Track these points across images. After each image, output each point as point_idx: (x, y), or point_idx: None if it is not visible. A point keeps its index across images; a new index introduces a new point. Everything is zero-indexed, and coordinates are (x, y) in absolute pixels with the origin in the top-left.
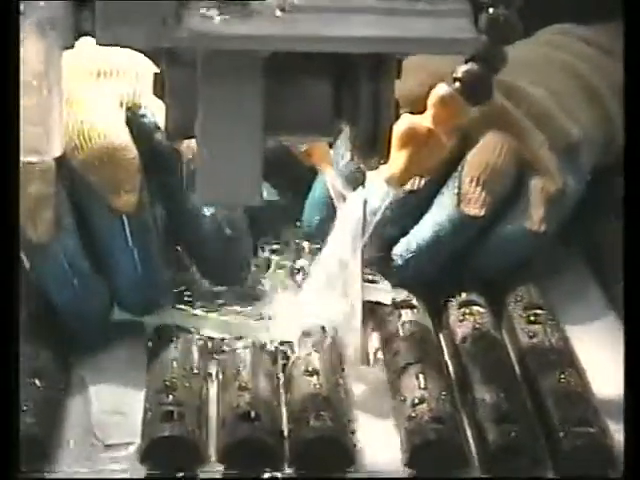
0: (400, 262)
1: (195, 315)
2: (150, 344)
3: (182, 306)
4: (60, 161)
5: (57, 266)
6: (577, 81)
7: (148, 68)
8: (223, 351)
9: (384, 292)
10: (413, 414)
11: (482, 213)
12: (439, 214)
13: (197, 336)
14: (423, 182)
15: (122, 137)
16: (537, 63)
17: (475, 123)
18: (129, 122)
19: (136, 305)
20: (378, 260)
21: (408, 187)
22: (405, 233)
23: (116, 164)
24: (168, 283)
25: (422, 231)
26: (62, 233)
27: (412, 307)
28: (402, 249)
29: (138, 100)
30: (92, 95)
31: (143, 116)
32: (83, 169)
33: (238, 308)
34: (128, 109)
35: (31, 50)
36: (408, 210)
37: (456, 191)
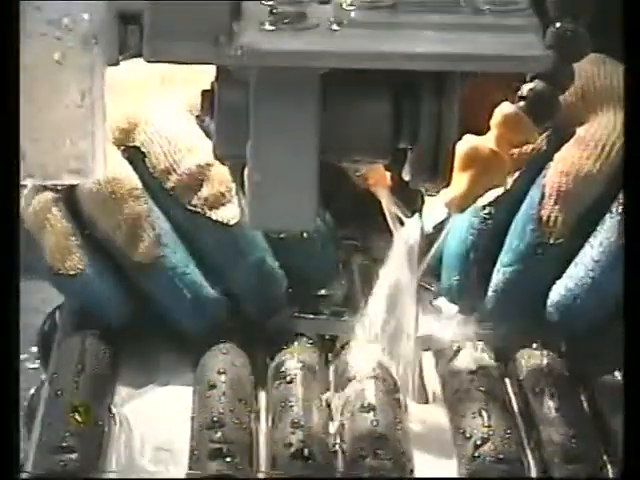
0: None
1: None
2: (195, 377)
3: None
4: (150, 182)
5: (166, 282)
6: None
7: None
8: (275, 384)
9: (444, 323)
10: (476, 454)
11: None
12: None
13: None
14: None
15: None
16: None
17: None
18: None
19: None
20: (458, 289)
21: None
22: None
23: (212, 180)
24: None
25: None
26: (164, 250)
27: (474, 341)
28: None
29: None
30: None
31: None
32: (177, 189)
33: None
34: (196, 117)
35: (75, 65)
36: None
37: (533, 211)
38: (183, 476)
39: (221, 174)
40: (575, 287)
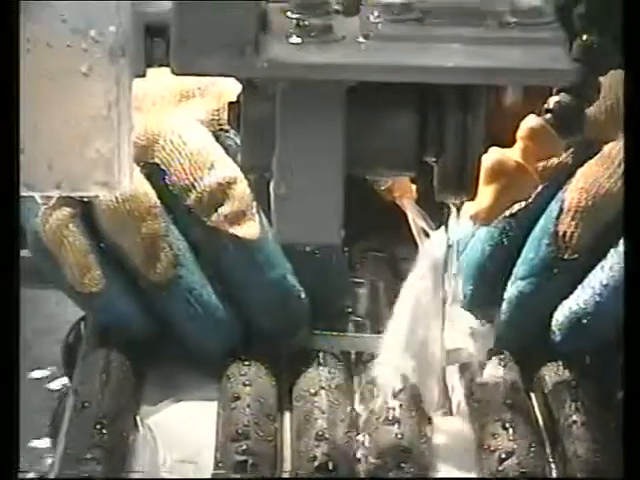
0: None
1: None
2: (220, 389)
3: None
4: (169, 200)
5: (182, 303)
6: None
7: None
8: (299, 397)
9: (468, 335)
10: (500, 468)
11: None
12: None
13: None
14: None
15: (233, 169)
16: None
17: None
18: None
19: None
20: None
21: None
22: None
23: (233, 197)
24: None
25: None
26: (181, 270)
27: (499, 354)
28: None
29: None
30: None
31: (228, 137)
32: (197, 207)
33: None
34: (214, 133)
35: (101, 77)
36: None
37: (550, 226)
38: None
39: (242, 191)
40: (580, 310)
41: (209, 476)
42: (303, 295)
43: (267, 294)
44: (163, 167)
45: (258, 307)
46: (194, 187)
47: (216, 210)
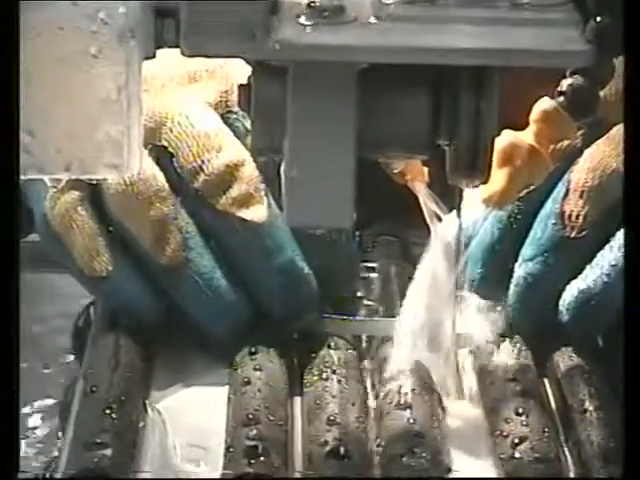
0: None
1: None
2: (230, 374)
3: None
4: (177, 182)
5: (191, 286)
6: None
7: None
8: (310, 382)
9: (480, 320)
10: (514, 453)
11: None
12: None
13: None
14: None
15: (241, 152)
16: None
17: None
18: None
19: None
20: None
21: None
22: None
23: (241, 179)
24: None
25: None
26: (190, 253)
27: (511, 338)
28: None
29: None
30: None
31: (236, 119)
32: (205, 190)
33: None
34: (222, 115)
35: (111, 59)
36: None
37: (557, 206)
38: (218, 475)
39: (250, 173)
40: (588, 289)
41: (219, 461)
42: (312, 279)
43: (275, 277)
44: (171, 149)
45: (267, 290)
46: (202, 170)
47: (224, 193)
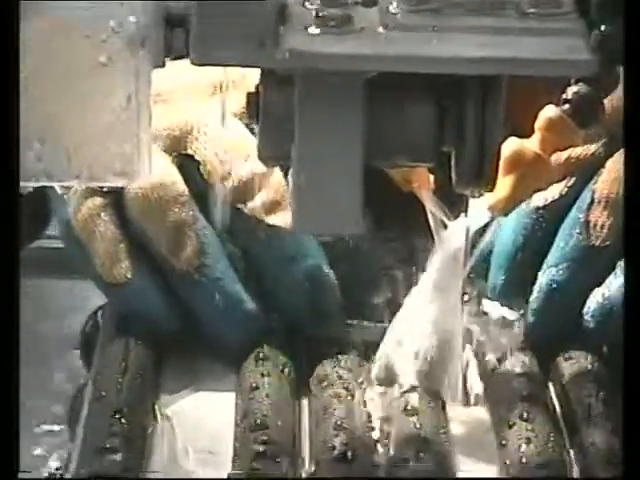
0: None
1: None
2: (238, 379)
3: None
4: (204, 190)
5: (206, 292)
6: None
7: None
8: (318, 387)
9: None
10: (518, 458)
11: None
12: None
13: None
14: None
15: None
16: None
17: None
18: None
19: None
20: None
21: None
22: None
23: (268, 187)
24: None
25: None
26: (207, 259)
27: (518, 345)
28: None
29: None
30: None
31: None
32: (233, 197)
33: None
34: (246, 125)
35: (121, 68)
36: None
37: (582, 216)
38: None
39: (278, 181)
40: (612, 296)
41: (228, 466)
42: (336, 285)
43: (301, 283)
44: (197, 158)
45: (292, 297)
46: (230, 176)
47: (252, 198)
